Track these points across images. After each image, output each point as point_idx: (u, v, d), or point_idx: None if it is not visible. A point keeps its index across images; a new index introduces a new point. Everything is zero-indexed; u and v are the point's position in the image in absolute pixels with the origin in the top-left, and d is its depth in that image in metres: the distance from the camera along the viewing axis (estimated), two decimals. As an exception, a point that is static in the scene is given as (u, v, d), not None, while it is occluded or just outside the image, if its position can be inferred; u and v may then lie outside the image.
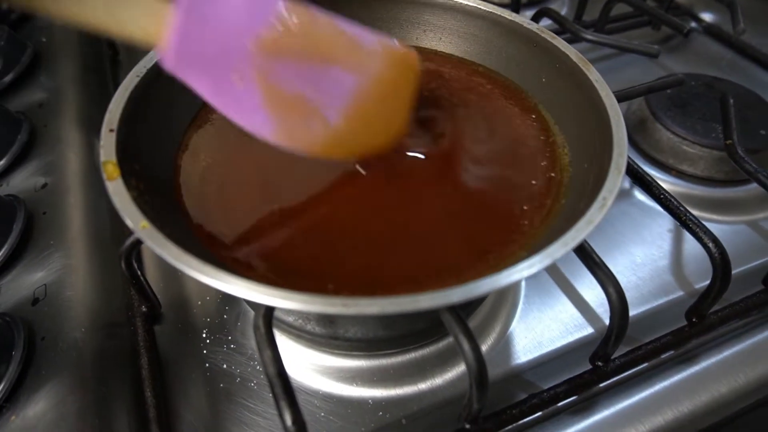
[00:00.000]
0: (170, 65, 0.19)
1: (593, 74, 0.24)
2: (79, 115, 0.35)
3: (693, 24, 0.47)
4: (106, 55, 0.43)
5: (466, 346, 0.19)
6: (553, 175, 0.23)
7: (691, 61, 0.45)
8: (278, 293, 0.16)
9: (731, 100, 0.32)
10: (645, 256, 0.30)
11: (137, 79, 0.23)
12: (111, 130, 0.21)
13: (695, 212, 0.31)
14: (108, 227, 0.30)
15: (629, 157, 0.28)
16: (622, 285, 0.21)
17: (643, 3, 0.41)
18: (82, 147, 0.33)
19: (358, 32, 0.22)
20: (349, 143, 0.23)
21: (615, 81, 0.35)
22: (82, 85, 0.36)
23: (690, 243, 0.31)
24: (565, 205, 0.22)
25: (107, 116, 0.21)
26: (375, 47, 0.22)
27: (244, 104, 0.20)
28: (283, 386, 0.18)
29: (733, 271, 0.24)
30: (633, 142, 0.36)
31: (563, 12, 0.49)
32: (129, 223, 0.18)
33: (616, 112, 0.23)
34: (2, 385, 0.22)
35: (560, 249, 0.17)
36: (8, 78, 0.37)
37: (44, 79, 0.38)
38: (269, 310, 0.18)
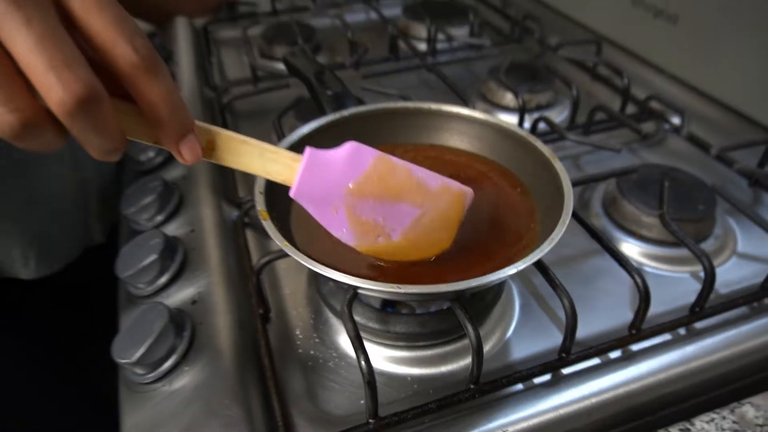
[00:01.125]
0: (293, 196, 0.31)
1: (558, 164, 0.37)
2: (211, 187, 0.50)
3: (666, 126, 0.61)
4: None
5: (469, 327, 0.32)
6: (532, 225, 0.36)
7: (662, 153, 0.58)
8: (360, 280, 0.30)
9: (666, 183, 0.45)
10: (602, 288, 0.42)
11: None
12: (261, 192, 0.35)
13: (653, 264, 0.43)
14: (234, 258, 0.44)
15: (593, 227, 0.41)
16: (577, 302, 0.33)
17: (614, 111, 0.56)
18: (213, 207, 0.48)
19: (426, 175, 0.33)
20: (403, 254, 0.34)
21: (598, 166, 0.49)
22: (214, 169, 0.52)
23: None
24: (537, 243, 0.34)
25: (257, 185, 0.36)
26: (437, 188, 0.33)
27: (335, 224, 0.33)
28: (360, 344, 0.31)
29: (671, 302, 0.36)
30: (607, 213, 0.49)
31: (564, 115, 0.63)
32: (279, 244, 0.32)
33: (569, 190, 0.35)
34: (179, 352, 0.36)
35: (522, 264, 0.30)
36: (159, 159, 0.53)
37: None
38: (353, 295, 0.32)
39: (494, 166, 0.43)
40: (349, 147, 0.32)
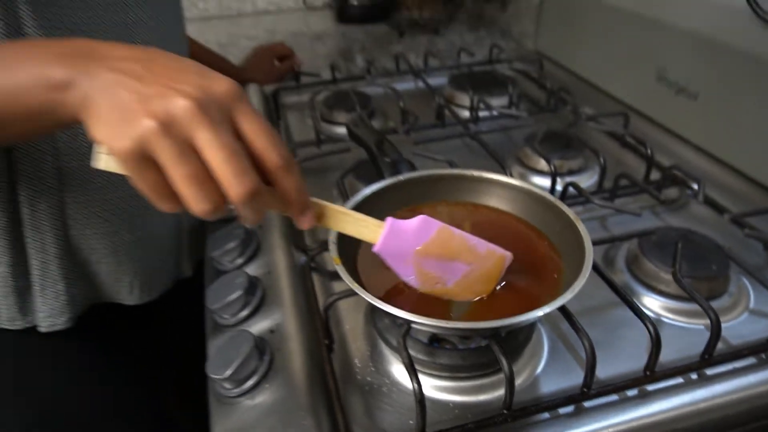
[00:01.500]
0: (376, 251, 0.41)
1: (581, 226, 0.44)
2: (283, 235, 0.59)
3: (688, 191, 0.67)
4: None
5: (504, 362, 0.38)
6: (555, 276, 0.43)
7: (684, 216, 0.64)
8: (414, 316, 0.37)
9: (681, 244, 0.51)
10: (622, 335, 0.48)
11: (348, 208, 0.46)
12: (334, 243, 0.43)
13: (671, 316, 0.49)
14: (303, 296, 0.52)
15: (612, 280, 0.48)
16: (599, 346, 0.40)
17: (636, 179, 0.62)
18: (285, 253, 0.56)
19: (476, 242, 0.43)
20: (454, 296, 0.43)
21: (623, 227, 0.55)
22: (285, 220, 0.61)
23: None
24: (561, 291, 0.41)
25: (330, 236, 0.44)
26: (484, 251, 0.43)
27: (405, 273, 0.43)
28: (413, 370, 0.38)
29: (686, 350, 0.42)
30: (629, 270, 0.55)
31: (594, 180, 0.70)
32: (350, 285, 0.39)
33: (589, 249, 0.42)
34: (260, 372, 0.44)
35: (546, 309, 0.37)
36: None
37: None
38: (407, 329, 0.39)
39: (527, 224, 0.50)
40: (419, 219, 0.42)
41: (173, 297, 0.64)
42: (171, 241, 0.62)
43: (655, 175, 0.68)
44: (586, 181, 0.69)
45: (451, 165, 0.64)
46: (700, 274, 0.50)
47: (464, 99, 0.87)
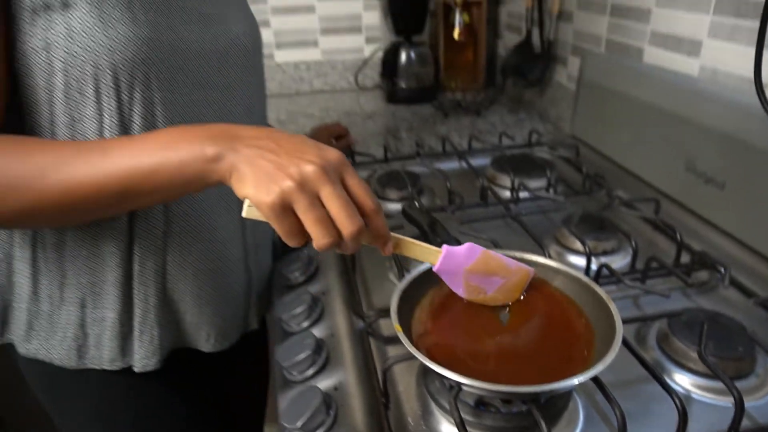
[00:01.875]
0: (436, 270, 0.51)
1: (612, 306, 0.50)
2: (344, 302, 0.66)
3: (717, 275, 0.72)
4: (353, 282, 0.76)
5: (543, 425, 0.44)
6: (587, 353, 0.49)
7: (713, 298, 0.69)
8: (465, 378, 0.43)
9: (707, 325, 0.55)
10: (653, 408, 0.52)
11: (403, 285, 0.53)
12: (395, 312, 0.50)
13: (700, 393, 0.54)
14: (362, 358, 0.58)
15: (643, 356, 0.53)
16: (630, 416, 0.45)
17: (665, 262, 0.68)
18: (346, 318, 0.64)
19: (508, 261, 0.54)
20: (492, 302, 0.54)
21: (654, 306, 0.60)
22: (345, 289, 0.69)
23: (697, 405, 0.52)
24: (592, 364, 0.47)
25: (392, 306, 0.51)
26: (514, 267, 0.55)
27: (456, 286, 0.53)
28: (464, 429, 0.43)
29: (715, 426, 0.46)
30: (660, 347, 0.60)
31: (626, 261, 0.76)
32: (410, 349, 0.46)
33: (620, 327, 0.48)
34: (327, 424, 0.50)
35: (580, 378, 0.43)
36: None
37: (320, 281, 0.71)
38: (458, 391, 0.45)
39: (565, 298, 0.56)
40: (467, 246, 0.53)
41: (241, 348, 0.72)
42: (243, 298, 0.70)
43: (684, 258, 0.73)
44: (620, 261, 0.75)
45: (495, 245, 0.71)
46: (726, 354, 0.55)
47: (505, 180, 0.95)
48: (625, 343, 0.52)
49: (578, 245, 0.75)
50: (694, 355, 0.56)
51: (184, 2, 0.56)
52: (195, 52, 0.57)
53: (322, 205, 0.43)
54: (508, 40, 1.63)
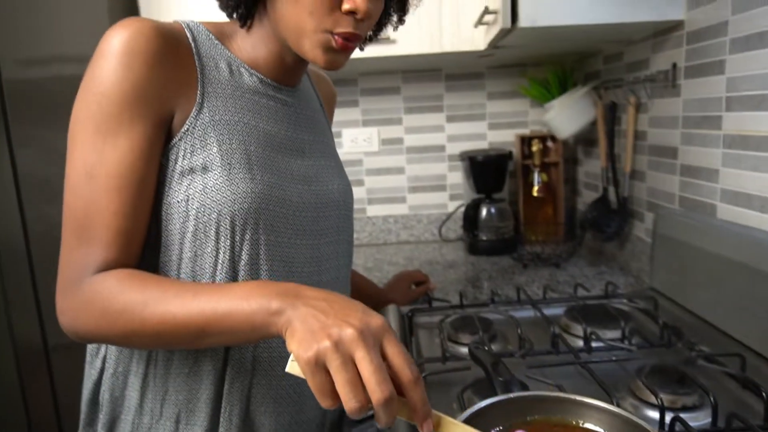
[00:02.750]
0: None
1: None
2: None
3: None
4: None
5: None
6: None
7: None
8: None
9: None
10: None
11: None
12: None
13: None
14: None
15: None
16: None
17: (749, 421, 0.64)
18: None
19: None
20: None
21: None
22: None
23: None
24: None
25: None
26: None
27: None
28: None
29: None
30: None
31: (708, 419, 0.72)
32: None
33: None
34: None
35: None
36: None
37: None
38: None
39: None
40: None
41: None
42: (317, 428, 0.74)
43: (774, 418, 0.69)
44: (701, 420, 0.71)
45: (560, 389, 0.71)
46: None
47: (578, 330, 0.95)
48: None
49: (652, 398, 0.73)
50: None
51: (290, 166, 0.71)
52: (296, 204, 0.70)
53: (356, 368, 0.45)
54: (587, 196, 1.71)
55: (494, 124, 1.81)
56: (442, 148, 1.83)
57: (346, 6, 0.62)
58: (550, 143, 1.71)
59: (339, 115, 1.79)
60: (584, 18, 1.10)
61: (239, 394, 0.66)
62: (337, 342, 0.46)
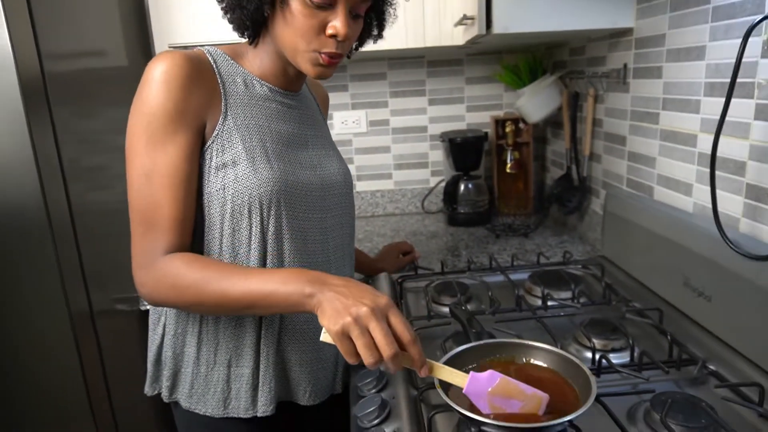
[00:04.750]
0: (465, 393, 0.71)
1: (592, 378, 0.71)
2: (403, 378, 0.89)
3: (704, 371, 0.89)
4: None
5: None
6: (576, 404, 0.69)
7: (695, 385, 0.85)
8: (480, 416, 0.65)
9: (673, 402, 0.74)
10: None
11: (444, 359, 0.76)
12: (437, 380, 0.73)
13: None
14: (414, 414, 0.80)
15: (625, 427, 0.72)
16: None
17: (654, 357, 0.86)
18: (404, 388, 0.86)
19: (525, 387, 0.70)
20: (511, 420, 0.69)
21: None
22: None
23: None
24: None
25: (435, 381, 0.74)
26: (531, 393, 0.70)
27: (481, 405, 0.71)
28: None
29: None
30: (645, 421, 0.77)
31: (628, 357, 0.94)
32: (444, 399, 0.69)
33: (594, 388, 0.68)
34: (387, 454, 0.72)
35: (567, 417, 0.63)
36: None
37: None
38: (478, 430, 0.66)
39: (560, 375, 0.76)
40: (489, 373, 0.71)
41: (329, 405, 0.95)
42: (332, 366, 0.96)
43: (675, 354, 0.91)
44: (624, 358, 0.93)
45: (519, 338, 0.93)
46: (692, 424, 0.73)
47: (538, 291, 1.17)
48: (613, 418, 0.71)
49: (589, 343, 0.95)
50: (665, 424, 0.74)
51: (298, 157, 0.89)
52: (306, 186, 0.89)
53: (371, 335, 0.65)
54: (554, 173, 1.91)
55: (472, 107, 1.99)
56: (424, 128, 2.01)
57: (329, 31, 0.79)
58: (521, 125, 1.90)
59: (330, 99, 1.95)
60: (549, 25, 1.28)
61: (272, 337, 0.86)
62: (356, 318, 0.65)
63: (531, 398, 0.70)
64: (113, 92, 1.41)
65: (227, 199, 0.82)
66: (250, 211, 0.83)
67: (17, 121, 1.06)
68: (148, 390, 0.94)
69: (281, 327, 0.87)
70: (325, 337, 0.69)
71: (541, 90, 1.70)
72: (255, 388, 0.87)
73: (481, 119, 2.00)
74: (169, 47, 1.57)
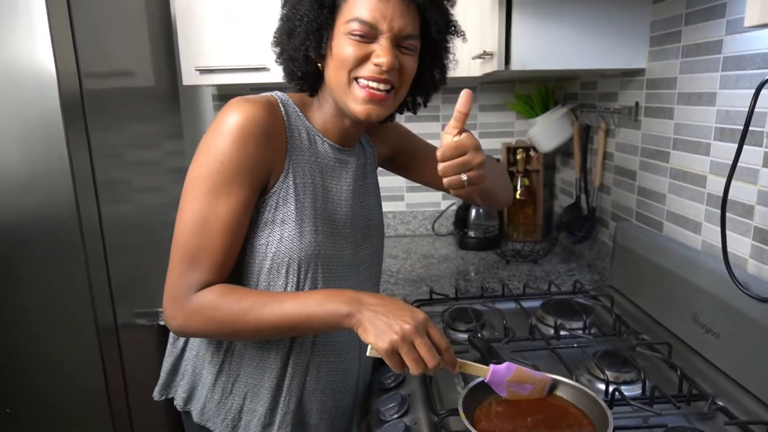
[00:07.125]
0: (487, 382, 0.79)
1: (608, 412, 0.75)
2: (424, 404, 0.93)
3: (713, 406, 0.92)
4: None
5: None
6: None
7: (708, 425, 0.89)
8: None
9: (682, 436, 0.78)
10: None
11: (465, 391, 0.80)
12: (461, 405, 0.77)
13: None
14: (437, 442, 0.84)
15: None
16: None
17: (665, 392, 0.90)
18: (425, 414, 0.90)
19: (534, 372, 0.80)
20: (524, 398, 0.80)
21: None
22: (425, 395, 0.96)
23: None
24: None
25: (459, 407, 0.78)
26: (538, 377, 0.81)
27: (501, 390, 0.80)
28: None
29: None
30: (656, 453, 0.81)
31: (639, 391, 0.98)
32: (466, 425, 0.72)
33: (611, 422, 0.72)
34: (412, 478, 0.76)
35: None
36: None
37: (407, 386, 0.99)
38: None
39: (579, 408, 0.80)
40: (506, 364, 0.80)
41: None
42: (350, 412, 1.00)
43: (686, 389, 0.95)
44: (636, 391, 0.97)
45: (535, 368, 0.97)
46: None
47: (550, 321, 1.21)
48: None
49: (601, 375, 0.99)
50: (678, 459, 0.78)
51: (344, 215, 0.91)
52: (345, 246, 0.91)
53: (416, 349, 0.71)
54: (562, 200, 1.96)
55: (484, 133, 2.05)
56: (437, 153, 2.05)
57: (373, 60, 0.79)
58: (532, 152, 1.95)
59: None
60: (565, 64, 1.34)
61: (297, 386, 0.89)
62: (402, 335, 0.71)
63: (539, 382, 0.83)
64: (139, 109, 1.46)
65: (268, 255, 0.84)
66: (287, 272, 0.85)
67: (56, 135, 1.10)
68: (156, 395, 0.97)
69: (308, 373, 0.90)
70: (371, 352, 0.74)
71: (553, 121, 1.75)
72: (267, 426, 0.90)
73: (493, 145, 2.05)
74: (196, 70, 1.63)
